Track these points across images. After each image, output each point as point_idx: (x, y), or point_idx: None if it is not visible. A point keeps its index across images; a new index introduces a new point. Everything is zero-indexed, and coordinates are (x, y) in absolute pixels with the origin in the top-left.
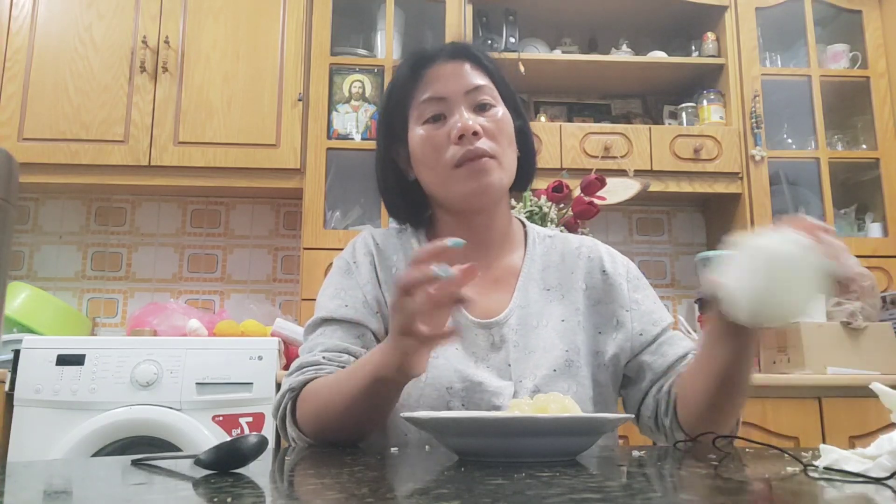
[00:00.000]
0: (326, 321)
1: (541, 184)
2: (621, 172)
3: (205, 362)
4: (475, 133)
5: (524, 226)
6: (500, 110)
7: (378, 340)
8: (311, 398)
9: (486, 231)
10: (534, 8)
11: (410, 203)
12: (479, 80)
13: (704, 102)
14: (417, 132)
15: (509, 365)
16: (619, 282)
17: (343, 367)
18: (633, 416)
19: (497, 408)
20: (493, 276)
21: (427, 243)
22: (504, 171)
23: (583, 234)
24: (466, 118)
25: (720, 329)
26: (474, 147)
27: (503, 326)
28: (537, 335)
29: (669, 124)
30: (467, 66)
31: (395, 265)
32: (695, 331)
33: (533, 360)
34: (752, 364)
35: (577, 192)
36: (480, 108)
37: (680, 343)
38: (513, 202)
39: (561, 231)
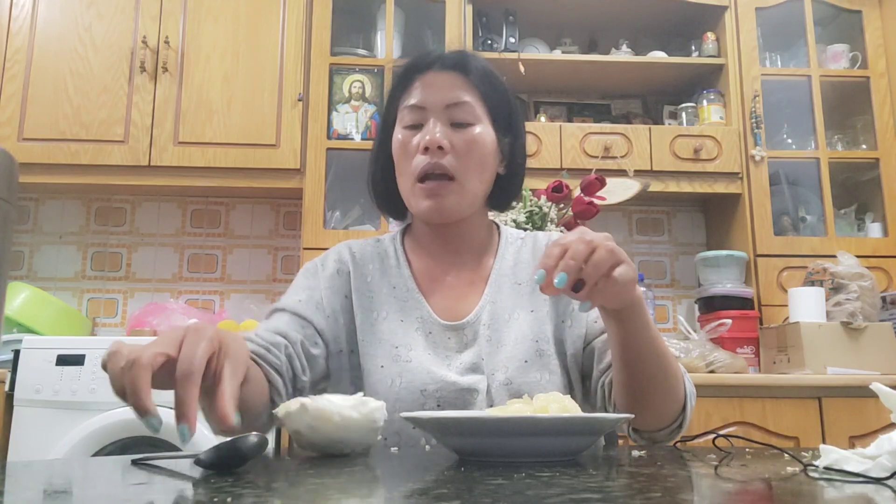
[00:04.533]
0: (278, 310)
1: (541, 184)
2: (621, 172)
3: None
4: (440, 147)
5: (499, 229)
6: (479, 129)
7: (321, 337)
8: None
9: (458, 239)
10: (534, 8)
11: (392, 196)
12: (466, 96)
13: (704, 102)
14: (397, 135)
15: (482, 359)
16: None
17: (267, 347)
18: (633, 415)
19: (471, 403)
20: (468, 279)
21: (401, 252)
22: (464, 194)
23: None
24: (436, 131)
25: (602, 309)
26: (436, 161)
27: (475, 325)
28: (508, 328)
29: (669, 124)
30: (459, 80)
31: (370, 273)
32: (695, 331)
33: (504, 352)
34: (644, 341)
35: (576, 192)
36: (457, 125)
37: None
38: (513, 203)
39: (561, 231)
